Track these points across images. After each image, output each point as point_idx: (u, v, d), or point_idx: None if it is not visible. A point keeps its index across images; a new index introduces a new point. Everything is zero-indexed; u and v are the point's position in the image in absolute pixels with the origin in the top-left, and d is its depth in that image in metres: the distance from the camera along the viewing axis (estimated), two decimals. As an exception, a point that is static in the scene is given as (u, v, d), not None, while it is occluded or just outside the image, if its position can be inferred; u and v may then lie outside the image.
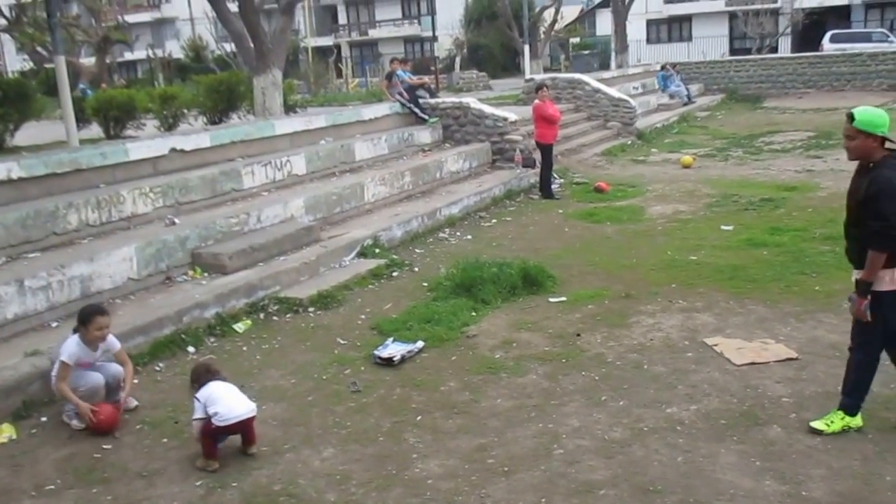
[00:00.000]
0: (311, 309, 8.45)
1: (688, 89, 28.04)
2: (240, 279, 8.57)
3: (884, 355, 5.36)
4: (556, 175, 14.96)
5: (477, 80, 40.20)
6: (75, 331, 6.13)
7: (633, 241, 10.73)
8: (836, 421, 5.36)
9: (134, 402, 6.36)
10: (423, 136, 15.60)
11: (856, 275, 5.16)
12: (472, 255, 9.90)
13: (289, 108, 19.01)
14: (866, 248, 4.94)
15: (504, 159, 15.55)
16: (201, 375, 5.67)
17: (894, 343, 5.26)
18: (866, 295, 5.00)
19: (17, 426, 6.00)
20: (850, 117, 4.96)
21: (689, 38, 49.06)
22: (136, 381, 6.53)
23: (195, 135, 11.80)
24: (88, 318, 6.05)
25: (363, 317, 8.22)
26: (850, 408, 5.37)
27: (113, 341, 6.26)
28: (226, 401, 5.45)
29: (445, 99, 17.23)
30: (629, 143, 20.30)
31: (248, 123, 14.03)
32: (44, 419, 6.15)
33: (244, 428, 5.50)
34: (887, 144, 4.97)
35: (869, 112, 4.96)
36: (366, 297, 8.87)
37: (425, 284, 9.10)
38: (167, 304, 7.82)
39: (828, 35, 36.95)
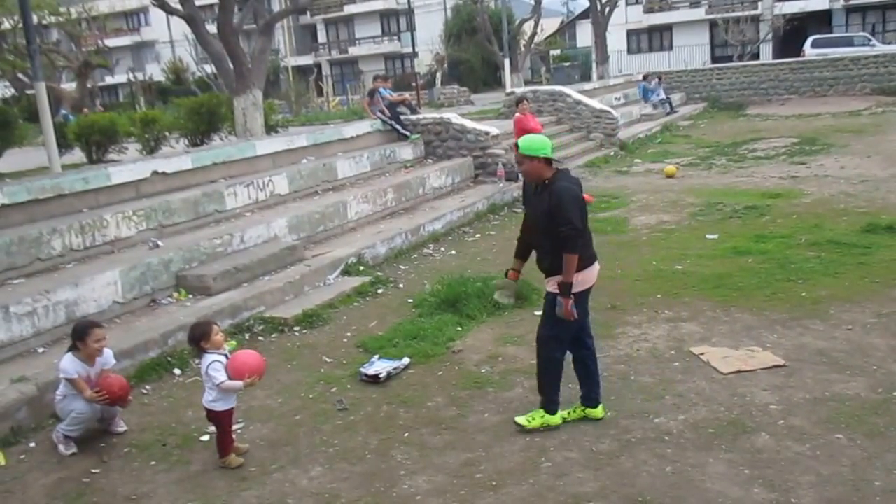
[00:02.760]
0: (296, 328, 8.44)
1: (669, 99, 28.17)
2: (224, 300, 8.56)
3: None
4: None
5: (458, 95, 40.28)
6: (69, 350, 6.08)
7: (617, 252, 10.75)
8: (537, 418, 5.82)
9: (122, 427, 6.33)
10: (405, 152, 15.63)
11: (548, 284, 5.66)
12: (456, 270, 9.91)
13: (270, 129, 19.02)
14: (557, 257, 5.45)
15: (487, 173, 15.61)
16: (207, 333, 5.61)
17: (577, 342, 5.85)
18: (569, 295, 5.48)
19: (5, 452, 5.98)
20: (516, 146, 5.53)
21: (670, 48, 49.23)
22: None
23: (177, 157, 11.81)
24: (85, 331, 6.02)
25: (349, 335, 8.21)
26: (549, 405, 5.83)
27: (109, 356, 6.22)
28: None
29: (426, 115, 17.29)
30: (612, 154, 20.38)
31: (229, 144, 14.01)
32: (32, 445, 6.14)
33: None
34: (554, 164, 5.59)
35: (530, 139, 5.55)
36: (351, 315, 8.86)
37: (410, 301, 9.10)
38: (152, 327, 7.81)
39: (809, 40, 37.03)
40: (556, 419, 5.85)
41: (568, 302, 5.49)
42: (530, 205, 5.73)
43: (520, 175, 14.48)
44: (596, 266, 5.78)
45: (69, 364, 5.98)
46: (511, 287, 6.18)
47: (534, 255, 5.85)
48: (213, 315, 8.09)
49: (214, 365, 5.49)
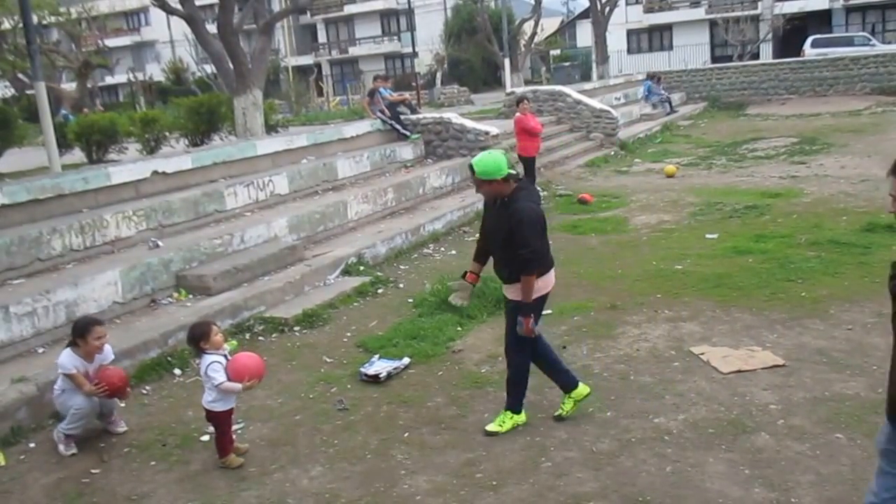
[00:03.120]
0: (296, 328, 8.44)
1: (669, 98, 28.16)
2: (225, 300, 8.56)
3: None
4: (539, 188, 14.97)
5: (458, 94, 40.27)
6: (69, 345, 6.08)
7: (617, 251, 10.76)
8: (507, 421, 5.86)
9: (123, 427, 6.34)
10: (405, 152, 15.64)
11: (507, 290, 5.74)
12: (457, 270, 9.86)
13: (270, 128, 19.02)
14: (515, 269, 5.52)
15: (487, 173, 15.57)
16: (206, 333, 5.60)
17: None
18: (529, 315, 5.56)
19: (5, 452, 5.98)
20: (472, 169, 5.50)
21: (670, 47, 49.16)
22: (122, 404, 6.53)
23: (177, 157, 11.81)
24: (87, 328, 6.00)
25: (349, 335, 8.21)
26: (514, 406, 5.90)
27: (109, 352, 6.21)
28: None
29: (427, 114, 17.30)
30: (612, 153, 20.39)
31: (229, 144, 14.02)
32: (32, 445, 6.14)
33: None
34: (511, 178, 5.54)
35: (484, 161, 5.47)
36: (351, 315, 8.86)
37: (410, 301, 9.10)
38: (152, 327, 7.81)
39: (809, 40, 36.94)
40: (522, 416, 5.94)
41: (528, 321, 5.56)
42: (490, 215, 5.77)
43: (520, 175, 14.59)
44: (552, 272, 5.81)
45: (68, 359, 5.97)
46: (466, 289, 6.18)
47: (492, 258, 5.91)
48: (213, 315, 8.09)
49: (214, 366, 5.49)
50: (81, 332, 6.01)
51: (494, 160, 5.49)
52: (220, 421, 5.61)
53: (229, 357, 5.63)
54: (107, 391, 5.98)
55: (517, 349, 5.82)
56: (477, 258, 6.06)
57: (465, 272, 6.12)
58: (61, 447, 6.01)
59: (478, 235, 6.12)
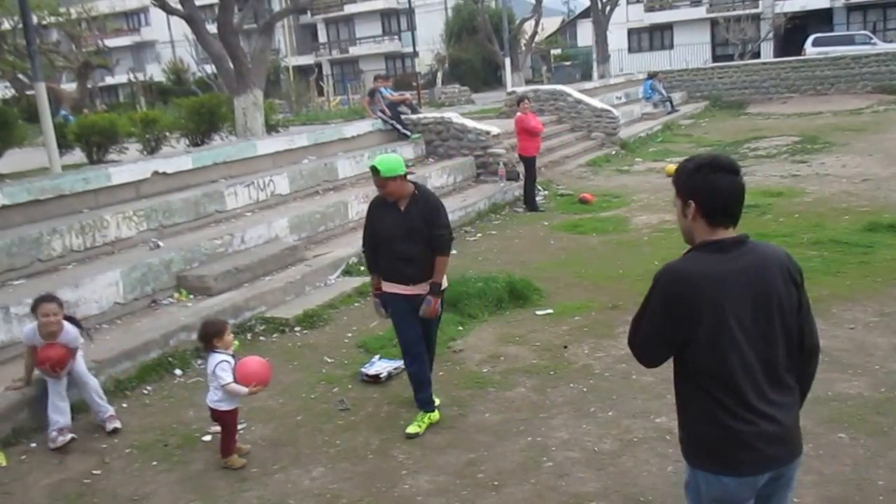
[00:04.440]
0: (297, 328, 8.44)
1: (670, 98, 28.11)
2: (225, 300, 8.56)
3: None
4: (540, 187, 15.01)
5: (459, 94, 40.18)
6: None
7: (618, 251, 10.75)
8: (424, 421, 6.00)
9: (116, 423, 6.36)
10: (406, 152, 15.60)
11: (403, 289, 5.87)
12: (457, 269, 9.84)
13: (270, 128, 18.96)
14: (426, 264, 5.78)
15: (488, 173, 15.59)
16: (221, 332, 5.65)
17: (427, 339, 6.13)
18: (439, 294, 5.88)
19: (6, 453, 5.99)
20: (376, 170, 5.70)
21: (671, 46, 48.97)
22: (125, 404, 6.65)
23: (177, 157, 11.80)
24: (37, 304, 6.19)
25: (349, 335, 8.20)
26: (425, 404, 6.05)
27: (73, 336, 6.26)
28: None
29: (427, 114, 17.27)
30: (613, 153, 20.35)
31: (229, 144, 13.99)
32: (33, 445, 6.15)
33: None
34: (409, 177, 5.91)
35: (385, 161, 5.76)
36: (352, 315, 8.85)
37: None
38: (153, 328, 7.81)
39: (810, 39, 36.74)
40: (436, 415, 6.09)
41: (437, 300, 5.85)
42: (384, 219, 5.89)
43: (521, 174, 14.54)
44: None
45: (27, 332, 6.27)
46: (380, 305, 6.13)
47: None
48: (214, 315, 8.08)
49: (222, 365, 5.50)
50: (34, 306, 6.20)
51: (394, 159, 5.84)
52: (225, 420, 5.62)
53: (237, 358, 5.64)
54: (45, 365, 6.11)
55: (407, 348, 6.02)
56: (375, 270, 6.12)
57: (371, 291, 6.23)
58: (57, 437, 6.08)
59: (363, 249, 6.26)
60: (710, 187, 2.90)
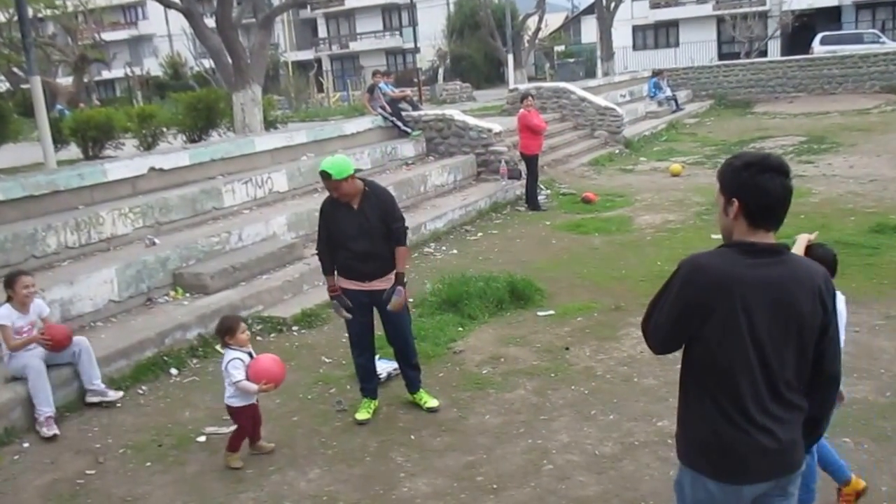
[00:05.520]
0: (294, 328, 8.38)
1: (675, 96, 27.96)
2: (222, 299, 8.49)
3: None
4: (542, 186, 14.90)
5: (461, 91, 40.05)
6: (6, 301, 6.54)
7: (621, 252, 10.67)
8: (371, 408, 6.24)
9: (113, 394, 6.72)
10: (407, 149, 15.53)
11: (365, 285, 6.00)
12: (457, 269, 9.83)
13: (269, 125, 18.87)
14: (387, 259, 5.96)
15: (489, 171, 15.49)
16: (232, 329, 5.66)
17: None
18: (404, 283, 6.03)
19: (-2, 453, 5.93)
20: (328, 175, 5.74)
21: (677, 44, 48.79)
22: (119, 403, 6.68)
23: (174, 153, 11.69)
24: (13, 279, 6.47)
25: (348, 335, 8.09)
26: (370, 393, 6.29)
27: (43, 305, 6.73)
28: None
29: (428, 111, 17.18)
30: (617, 152, 20.20)
31: (227, 141, 13.91)
32: (26, 445, 6.11)
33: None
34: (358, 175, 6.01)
35: (334, 163, 5.81)
36: (351, 314, 8.76)
37: (411, 300, 8.93)
38: (149, 326, 7.75)
39: (818, 37, 36.52)
40: (375, 402, 6.31)
41: (405, 291, 6.04)
42: (339, 221, 5.95)
43: (523, 173, 14.46)
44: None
45: (4, 311, 6.43)
46: (338, 306, 6.15)
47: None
48: (210, 314, 8.03)
49: (234, 363, 5.49)
50: (10, 282, 6.47)
51: (342, 160, 5.90)
52: (238, 417, 5.60)
53: (253, 355, 5.64)
54: (50, 343, 6.36)
55: (352, 344, 6.28)
56: (330, 272, 6.15)
57: (332, 296, 6.19)
58: (44, 430, 6.13)
59: (317, 251, 6.29)
60: (757, 187, 2.81)
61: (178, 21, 30.20)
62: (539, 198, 14.31)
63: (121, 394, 6.76)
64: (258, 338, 8.14)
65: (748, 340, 2.77)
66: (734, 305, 2.76)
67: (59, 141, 17.22)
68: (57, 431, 6.18)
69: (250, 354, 5.63)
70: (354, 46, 61.27)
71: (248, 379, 5.47)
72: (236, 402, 5.56)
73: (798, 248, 4.51)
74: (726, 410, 2.81)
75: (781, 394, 2.82)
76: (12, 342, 6.38)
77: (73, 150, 18.45)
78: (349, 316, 6.09)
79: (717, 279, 2.80)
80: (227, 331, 5.61)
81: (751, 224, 2.84)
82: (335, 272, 6.12)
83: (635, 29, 50.29)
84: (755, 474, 2.83)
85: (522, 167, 14.53)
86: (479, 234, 12.55)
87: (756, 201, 2.82)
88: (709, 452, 2.86)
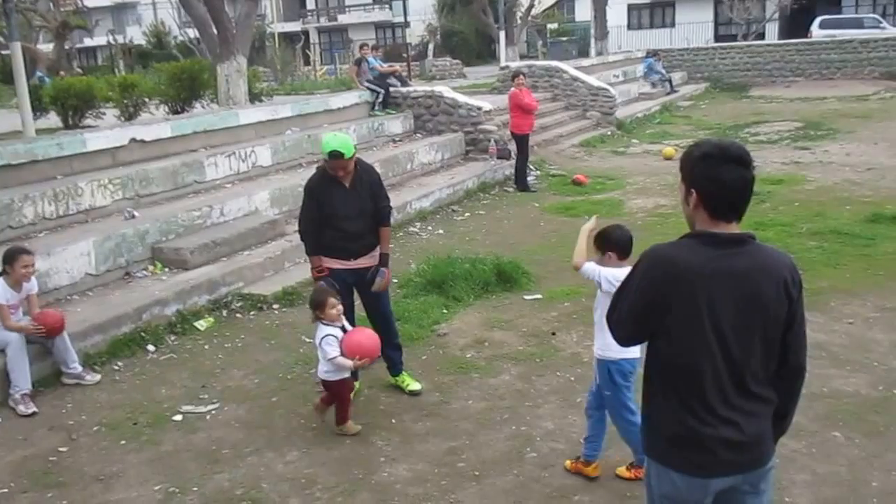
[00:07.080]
0: (275, 306, 8.25)
1: (669, 78, 27.75)
2: (202, 275, 8.34)
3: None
4: (532, 167, 14.75)
5: (451, 67, 39.80)
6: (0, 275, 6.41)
7: (610, 237, 10.55)
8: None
9: (92, 377, 6.57)
10: (394, 126, 15.36)
11: (355, 263, 5.94)
12: (443, 250, 9.72)
13: (254, 97, 18.62)
14: (373, 236, 5.95)
15: (478, 150, 15.33)
16: (321, 304, 5.58)
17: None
18: (388, 264, 6.03)
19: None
20: (340, 155, 5.59)
21: (673, 24, 48.20)
22: (97, 380, 6.62)
23: (156, 125, 11.54)
24: (14, 256, 6.37)
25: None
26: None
27: (34, 282, 6.63)
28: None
29: (417, 87, 17.04)
30: (609, 133, 20.02)
31: (211, 113, 13.73)
32: (-1, 419, 6.02)
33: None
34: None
35: (345, 143, 5.68)
36: (333, 293, 8.64)
37: (395, 281, 8.83)
38: (126, 301, 7.60)
39: (817, 21, 36.28)
40: (356, 384, 6.14)
41: (389, 272, 6.06)
42: (339, 201, 5.80)
43: (512, 153, 14.30)
44: None
45: (1, 290, 6.32)
46: (329, 284, 5.94)
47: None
48: (190, 290, 7.90)
49: (328, 339, 5.47)
50: (10, 259, 6.36)
51: (345, 137, 5.84)
52: (336, 390, 5.60)
53: (346, 328, 5.61)
54: (43, 331, 6.32)
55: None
56: (317, 251, 6.01)
57: (316, 276, 6.01)
58: (21, 408, 6.06)
59: (300, 230, 6.14)
60: (714, 179, 2.72)
61: (164, -11, 29.80)
62: (528, 179, 14.16)
63: (98, 377, 6.60)
64: (238, 315, 8.05)
65: (710, 333, 2.71)
66: (695, 298, 2.70)
67: (38, 109, 17.02)
68: (35, 409, 6.06)
69: (343, 329, 5.59)
70: (343, 19, 60.74)
71: (342, 355, 5.44)
72: (332, 377, 5.54)
73: (582, 241, 4.89)
74: (689, 403, 2.77)
75: (747, 386, 2.77)
76: (9, 321, 6.26)
77: (52, 119, 18.22)
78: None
79: (678, 272, 2.73)
80: (317, 306, 5.56)
81: (711, 215, 2.77)
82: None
83: (630, 8, 49.69)
84: (720, 467, 2.78)
85: (512, 147, 14.37)
86: (467, 214, 12.42)
87: (714, 193, 2.74)
88: (673, 446, 2.83)
